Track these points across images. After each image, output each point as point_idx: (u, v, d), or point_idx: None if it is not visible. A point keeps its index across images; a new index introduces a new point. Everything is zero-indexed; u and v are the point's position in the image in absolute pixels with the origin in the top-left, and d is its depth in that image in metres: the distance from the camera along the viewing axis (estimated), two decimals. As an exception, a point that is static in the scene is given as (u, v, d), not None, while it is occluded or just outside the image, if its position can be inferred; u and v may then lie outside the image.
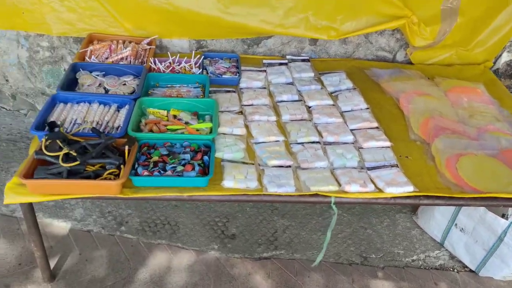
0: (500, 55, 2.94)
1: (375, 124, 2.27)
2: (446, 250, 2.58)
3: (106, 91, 2.33)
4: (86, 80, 2.34)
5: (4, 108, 3.17)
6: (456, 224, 2.47)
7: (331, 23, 2.68)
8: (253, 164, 1.99)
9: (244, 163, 2.00)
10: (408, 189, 1.89)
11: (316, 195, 1.85)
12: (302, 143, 2.14)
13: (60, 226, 2.48)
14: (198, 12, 2.62)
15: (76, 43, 2.79)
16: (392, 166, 2.01)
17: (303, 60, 2.80)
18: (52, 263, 2.24)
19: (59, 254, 2.32)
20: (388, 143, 2.16)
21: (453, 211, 2.46)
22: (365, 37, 2.88)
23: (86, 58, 2.52)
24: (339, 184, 1.91)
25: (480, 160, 2.07)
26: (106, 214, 2.57)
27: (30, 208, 1.84)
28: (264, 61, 2.77)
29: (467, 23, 2.73)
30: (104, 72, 2.42)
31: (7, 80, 3.00)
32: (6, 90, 3.07)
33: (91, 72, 2.41)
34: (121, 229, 2.50)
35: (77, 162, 1.74)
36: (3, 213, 2.51)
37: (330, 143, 2.15)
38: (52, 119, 2.03)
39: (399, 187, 1.89)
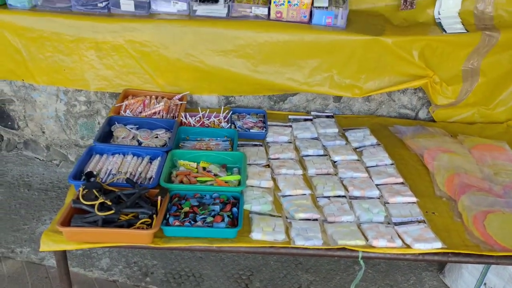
0: (524, 114, 2.98)
1: (400, 180, 2.30)
2: (476, 311, 2.51)
3: (139, 143, 2.43)
4: (120, 133, 2.46)
5: (38, 158, 3.31)
6: (485, 284, 2.41)
7: (355, 82, 2.79)
8: (280, 216, 2.02)
9: (271, 215, 2.03)
10: (436, 245, 1.89)
11: (343, 249, 1.86)
12: (328, 197, 2.17)
13: (86, 275, 2.51)
14: (228, 70, 2.77)
15: (112, 98, 2.95)
16: (419, 222, 2.02)
17: (328, 116, 2.89)
18: (78, 313, 2.25)
19: (85, 303, 2.34)
20: (414, 199, 2.17)
21: (482, 269, 2.42)
22: (388, 95, 2.97)
23: (121, 112, 2.66)
24: (366, 239, 1.91)
25: (508, 218, 2.06)
26: (132, 265, 2.60)
27: (63, 256, 1.89)
28: (290, 116, 2.86)
29: (488, 83, 2.81)
30: (137, 126, 2.54)
31: (43, 132, 3.16)
32: (42, 141, 3.21)
33: (125, 125, 2.53)
34: (146, 280, 2.51)
35: (112, 211, 1.80)
36: (32, 261, 2.56)
37: (356, 198, 2.18)
38: (88, 170, 2.12)
39: (427, 243, 1.88)
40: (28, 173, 3.21)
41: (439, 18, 2.81)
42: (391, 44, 2.63)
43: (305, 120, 2.84)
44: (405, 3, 2.81)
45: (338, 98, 2.98)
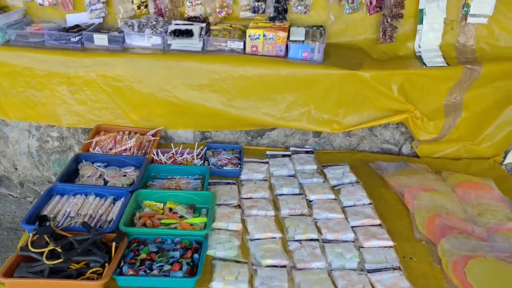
0: (510, 150, 2.86)
1: (378, 221, 2.18)
2: None
3: (106, 182, 2.33)
4: (87, 171, 2.36)
5: (11, 195, 3.21)
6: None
7: (333, 117, 2.69)
8: (246, 263, 1.90)
9: (236, 261, 1.90)
10: (410, 296, 1.76)
11: (310, 300, 1.73)
12: (299, 241, 2.04)
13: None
14: (202, 105, 2.69)
15: (84, 133, 2.87)
16: (394, 269, 1.88)
17: (307, 152, 2.78)
18: None
19: None
20: (390, 243, 2.04)
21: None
22: (370, 130, 2.87)
23: (90, 149, 2.57)
24: (336, 288, 1.78)
25: (491, 264, 1.92)
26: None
27: (10, 307, 1.76)
28: (268, 152, 2.76)
29: (471, 117, 2.71)
30: (106, 163, 2.44)
31: (16, 168, 3.07)
32: (15, 178, 3.12)
33: (93, 163, 2.43)
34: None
35: (60, 260, 1.68)
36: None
37: (329, 241, 2.05)
38: (45, 212, 2.02)
39: (401, 293, 1.75)
40: (-1, 211, 3.10)
41: (419, 52, 2.73)
42: (369, 78, 2.55)
43: (284, 156, 2.74)
44: (384, 37, 2.74)
45: (318, 133, 2.88)
